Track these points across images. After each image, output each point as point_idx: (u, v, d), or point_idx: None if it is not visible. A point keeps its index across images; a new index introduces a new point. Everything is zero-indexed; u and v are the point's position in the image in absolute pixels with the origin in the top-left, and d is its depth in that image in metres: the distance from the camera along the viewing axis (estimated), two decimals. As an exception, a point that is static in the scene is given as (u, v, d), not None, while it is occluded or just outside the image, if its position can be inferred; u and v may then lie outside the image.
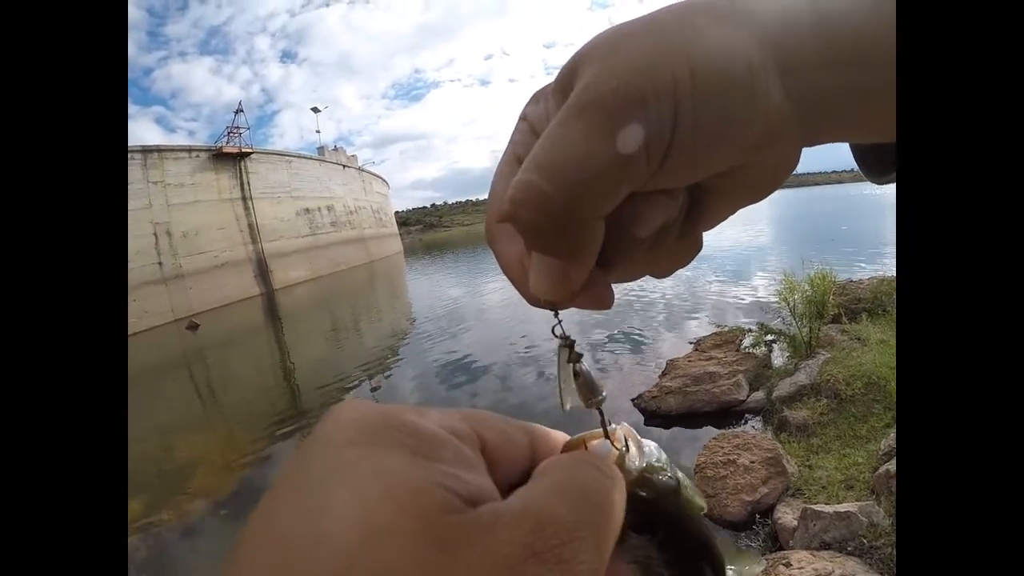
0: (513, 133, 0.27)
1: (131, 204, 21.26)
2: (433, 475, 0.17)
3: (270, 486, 0.18)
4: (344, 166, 42.01)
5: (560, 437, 0.24)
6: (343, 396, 8.00)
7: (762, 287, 10.97)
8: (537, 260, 0.24)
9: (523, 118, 0.26)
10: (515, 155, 0.25)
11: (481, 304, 14.27)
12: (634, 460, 0.24)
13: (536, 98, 0.25)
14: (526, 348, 8.79)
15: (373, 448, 0.17)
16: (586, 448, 0.24)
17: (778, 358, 6.17)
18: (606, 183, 0.20)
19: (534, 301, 0.25)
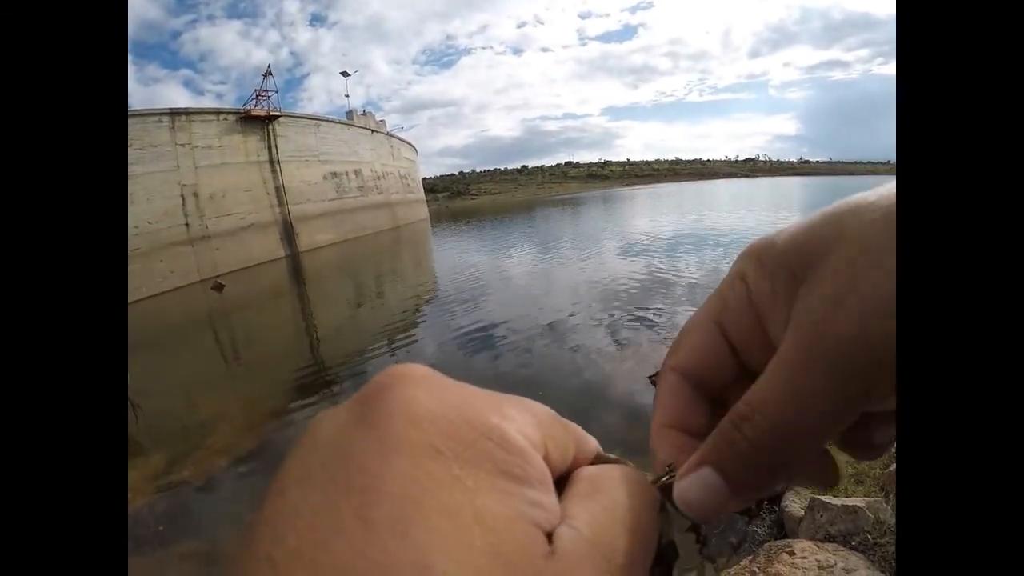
0: (724, 286, 0.26)
1: (158, 166, 21.59)
2: (526, 509, 0.16)
3: (311, 467, 0.16)
4: (373, 131, 41.89)
5: (593, 443, 0.23)
6: (365, 359, 8.12)
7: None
8: (710, 475, 0.22)
9: (741, 277, 0.25)
10: (720, 312, 0.26)
11: (505, 273, 14.30)
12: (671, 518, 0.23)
13: (760, 259, 0.24)
14: (547, 318, 8.81)
15: (463, 467, 0.16)
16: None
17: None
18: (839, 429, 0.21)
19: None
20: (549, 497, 0.18)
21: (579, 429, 0.23)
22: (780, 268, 0.23)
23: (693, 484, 0.22)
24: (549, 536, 0.17)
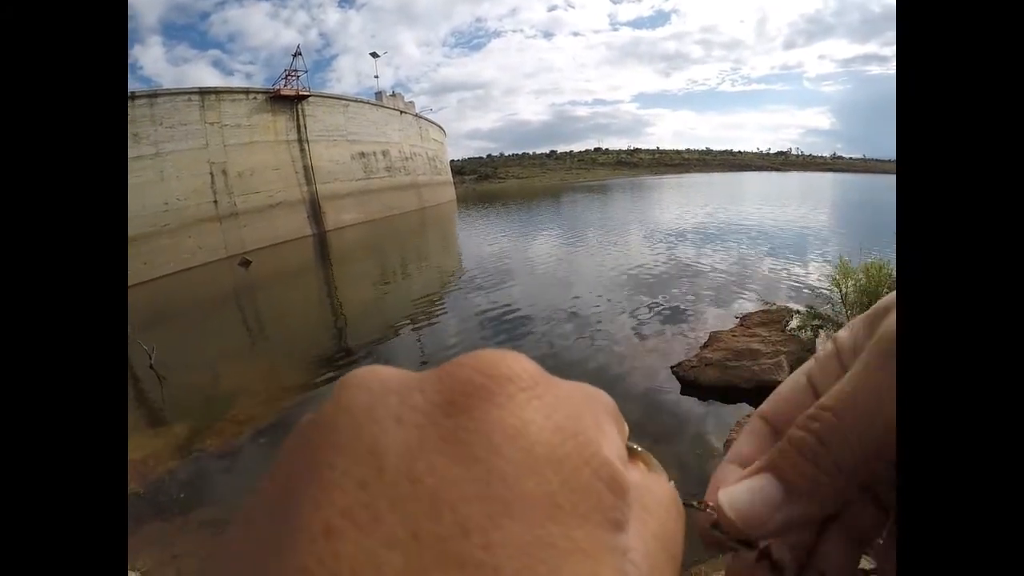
0: (819, 351, 0.29)
1: (188, 144, 21.94)
2: (625, 567, 0.14)
3: (375, 500, 0.12)
4: (401, 112, 41.95)
5: (626, 428, 0.22)
6: (388, 336, 8.17)
7: (816, 270, 10.63)
8: (763, 479, 0.23)
9: (833, 340, 0.28)
10: (810, 368, 0.28)
11: (529, 258, 14.27)
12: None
13: (850, 327, 0.27)
14: (570, 305, 8.78)
15: (581, 525, 0.13)
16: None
17: (822, 344, 6.09)
18: None
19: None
20: (630, 535, 0.16)
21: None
22: (860, 324, 0.26)
23: (742, 488, 0.22)
24: None
